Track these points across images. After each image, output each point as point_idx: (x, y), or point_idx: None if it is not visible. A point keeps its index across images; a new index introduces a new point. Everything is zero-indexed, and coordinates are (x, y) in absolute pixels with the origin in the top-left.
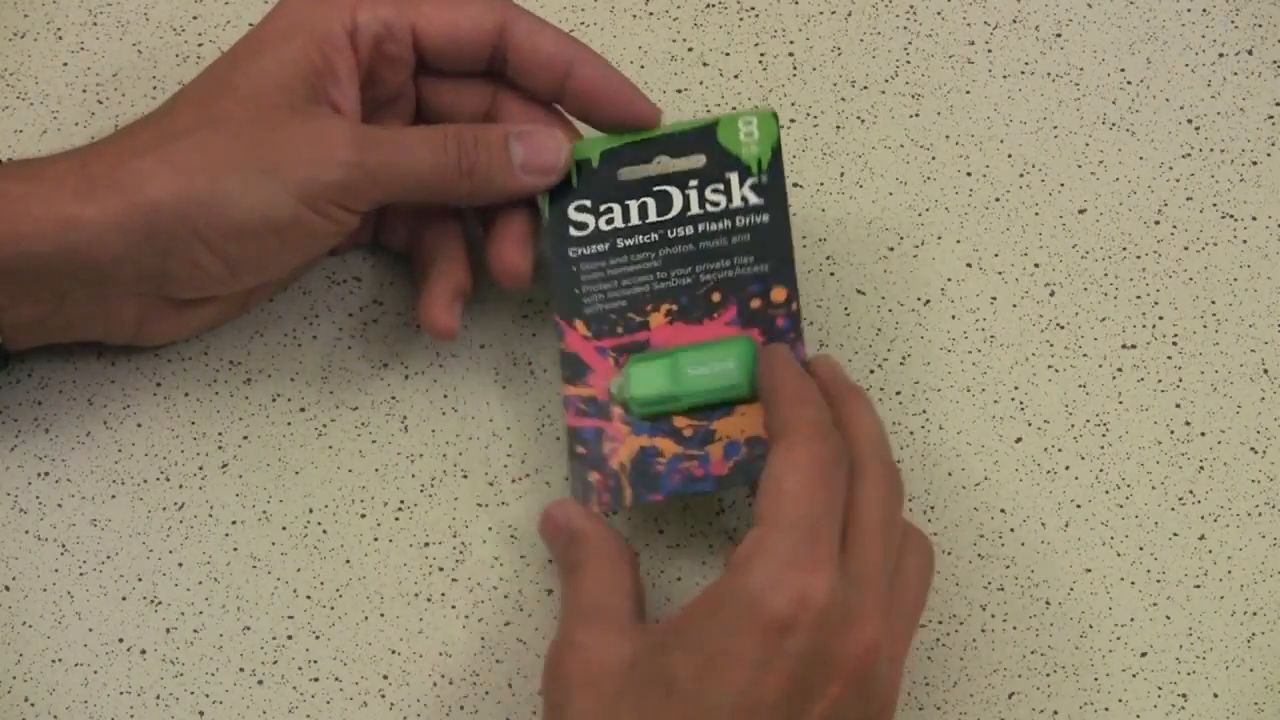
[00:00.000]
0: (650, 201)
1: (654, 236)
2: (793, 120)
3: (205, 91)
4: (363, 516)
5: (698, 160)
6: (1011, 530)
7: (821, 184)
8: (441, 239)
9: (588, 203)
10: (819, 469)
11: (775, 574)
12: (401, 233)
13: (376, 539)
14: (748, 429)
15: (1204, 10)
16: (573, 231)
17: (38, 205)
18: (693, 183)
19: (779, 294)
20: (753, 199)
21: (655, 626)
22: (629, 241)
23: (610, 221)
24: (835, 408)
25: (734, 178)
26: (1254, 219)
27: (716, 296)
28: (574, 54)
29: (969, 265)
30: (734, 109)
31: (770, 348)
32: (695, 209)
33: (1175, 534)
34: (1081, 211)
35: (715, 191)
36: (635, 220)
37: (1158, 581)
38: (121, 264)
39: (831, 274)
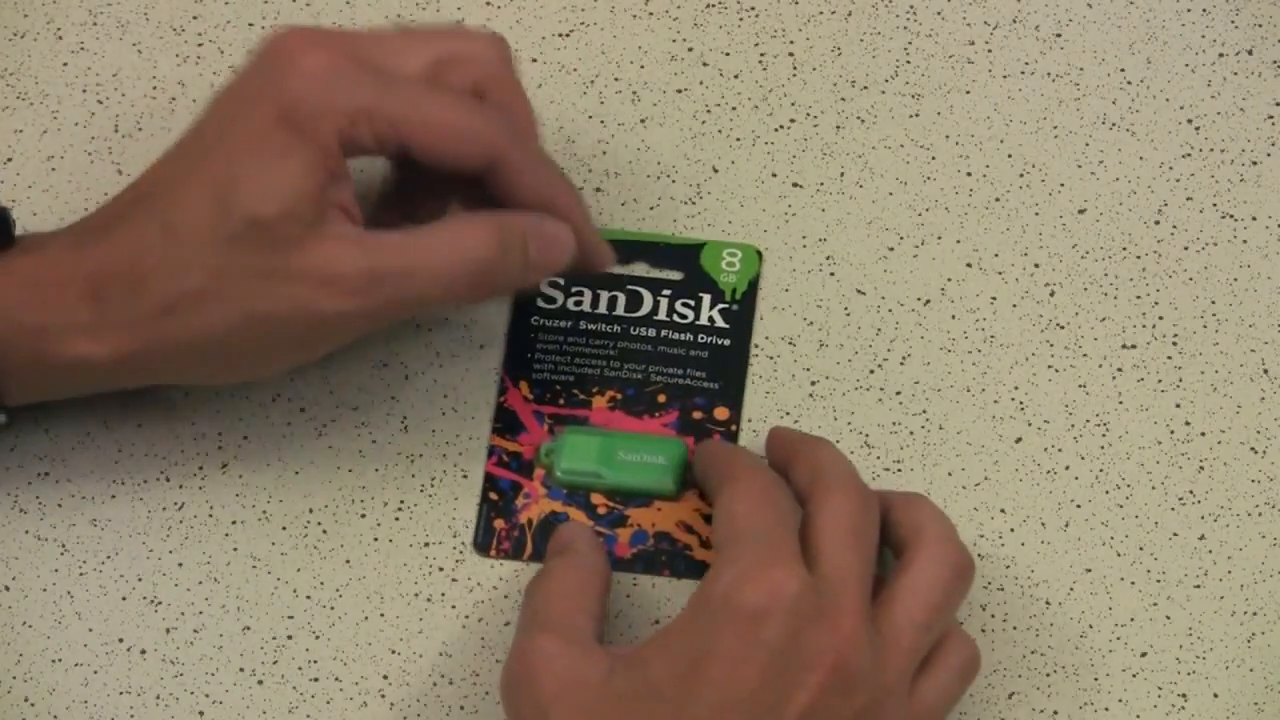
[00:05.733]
0: (620, 296)
1: (616, 329)
2: (793, 120)
3: (211, 226)
4: (363, 516)
5: (675, 275)
6: (1011, 530)
7: (821, 184)
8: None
9: (561, 280)
10: (761, 493)
11: (744, 572)
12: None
13: (376, 539)
14: (659, 524)
15: (1204, 10)
16: (540, 301)
17: (53, 342)
18: (665, 291)
19: (722, 412)
20: (719, 322)
21: (626, 648)
22: (592, 326)
23: (579, 304)
24: (798, 451)
25: (706, 299)
26: (1254, 219)
27: (662, 398)
28: (551, 200)
29: (969, 265)
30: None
31: (705, 442)
32: (663, 315)
33: (1175, 534)
34: (1081, 211)
35: (685, 306)
36: (603, 309)
37: (1158, 581)
38: (141, 384)
39: (831, 274)
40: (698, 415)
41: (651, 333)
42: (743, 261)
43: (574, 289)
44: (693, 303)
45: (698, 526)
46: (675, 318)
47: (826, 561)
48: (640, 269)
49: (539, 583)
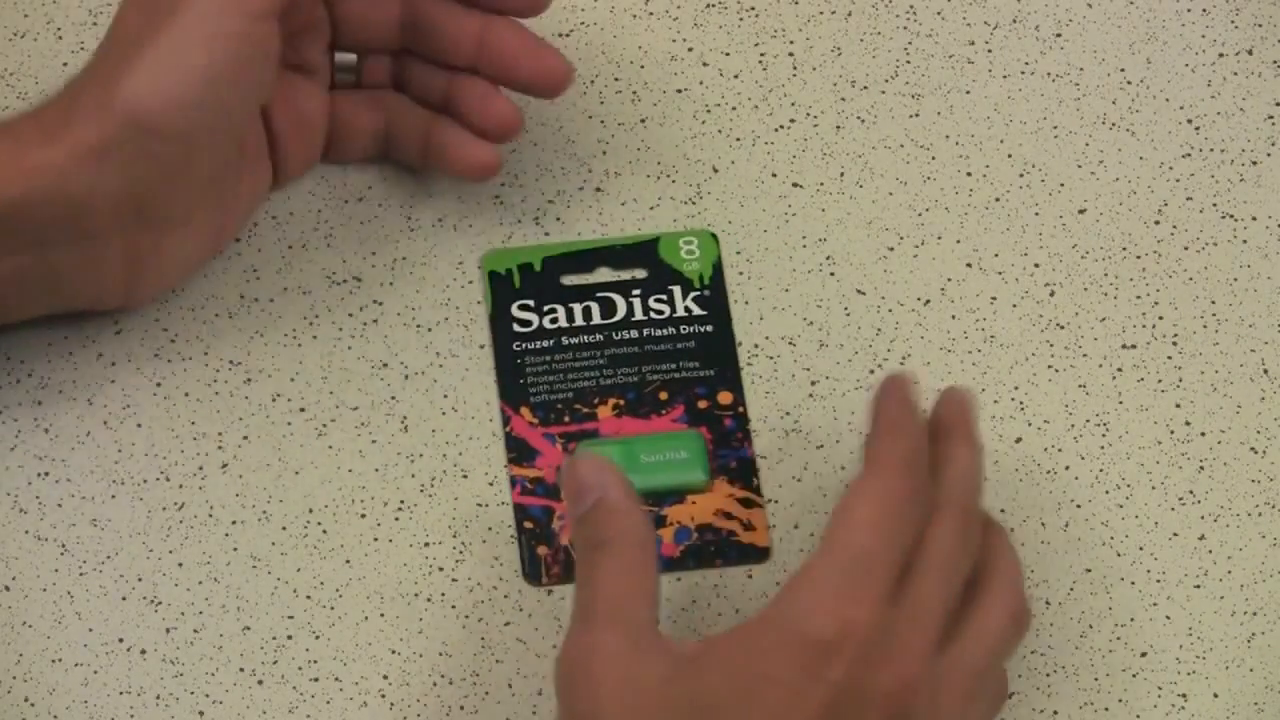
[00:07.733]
0: (594, 306)
1: (599, 337)
2: (793, 120)
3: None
4: (363, 516)
5: (639, 273)
6: (1011, 530)
7: (821, 184)
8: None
9: (531, 302)
10: (891, 502)
11: (822, 599)
12: (413, 143)
13: (376, 539)
14: (698, 516)
15: (1204, 10)
16: (516, 327)
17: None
18: (635, 292)
19: (725, 397)
20: (696, 310)
21: (686, 645)
22: (574, 340)
23: (555, 320)
24: (938, 444)
25: (677, 290)
26: (1254, 219)
27: (664, 395)
28: (483, 22)
29: (969, 265)
30: (677, 227)
31: (888, 375)
32: (639, 315)
33: (1175, 534)
34: (1081, 211)
35: (659, 301)
36: (580, 321)
37: (1158, 581)
38: (93, 194)
39: (831, 274)
40: (703, 404)
41: (634, 334)
42: (701, 247)
43: (546, 308)
44: (665, 297)
45: (736, 511)
46: (652, 315)
47: (911, 594)
48: (604, 274)
49: (589, 558)
